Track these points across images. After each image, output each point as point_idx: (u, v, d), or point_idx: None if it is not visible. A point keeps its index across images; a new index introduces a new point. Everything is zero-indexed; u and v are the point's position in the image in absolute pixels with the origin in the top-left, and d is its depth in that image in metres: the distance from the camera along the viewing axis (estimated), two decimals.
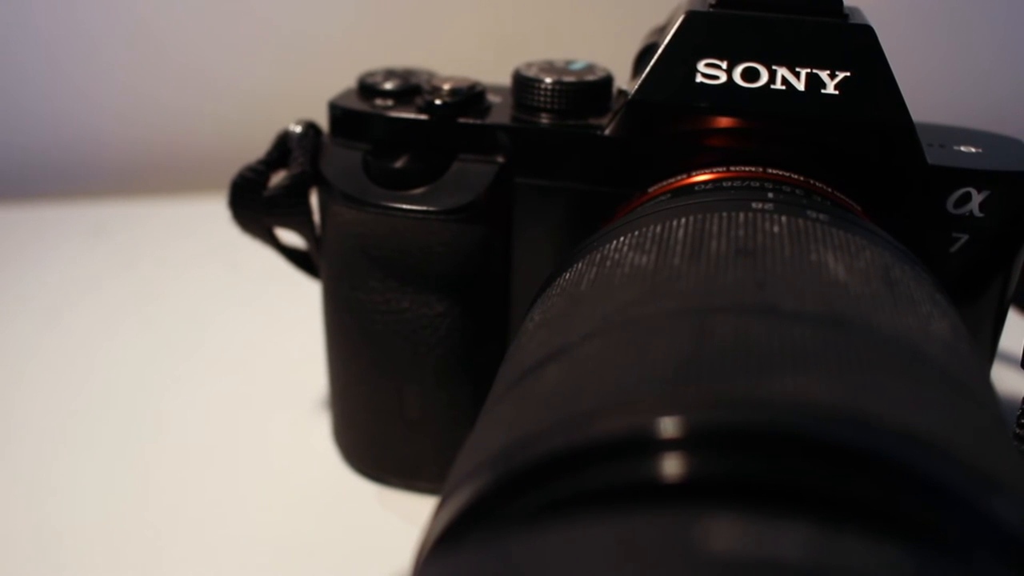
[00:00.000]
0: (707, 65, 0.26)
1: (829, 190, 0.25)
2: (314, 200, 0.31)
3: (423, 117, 0.29)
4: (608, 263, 0.21)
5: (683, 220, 0.21)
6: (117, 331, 0.43)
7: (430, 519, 0.16)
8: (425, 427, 0.31)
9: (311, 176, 0.30)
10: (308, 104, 0.37)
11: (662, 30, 0.28)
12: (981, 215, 0.27)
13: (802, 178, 0.25)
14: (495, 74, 0.32)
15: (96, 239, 0.53)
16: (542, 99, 0.28)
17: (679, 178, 0.26)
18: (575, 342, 0.18)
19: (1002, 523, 0.13)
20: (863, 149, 0.26)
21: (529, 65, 0.29)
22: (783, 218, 0.21)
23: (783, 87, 0.25)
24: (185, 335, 0.43)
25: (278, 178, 0.31)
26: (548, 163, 0.28)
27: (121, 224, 0.55)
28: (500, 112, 0.29)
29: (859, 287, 0.18)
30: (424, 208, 0.28)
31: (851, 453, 0.13)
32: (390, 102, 0.30)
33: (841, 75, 0.25)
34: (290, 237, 0.33)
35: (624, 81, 0.29)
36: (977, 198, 0.26)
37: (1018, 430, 0.25)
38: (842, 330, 0.16)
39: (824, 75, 0.25)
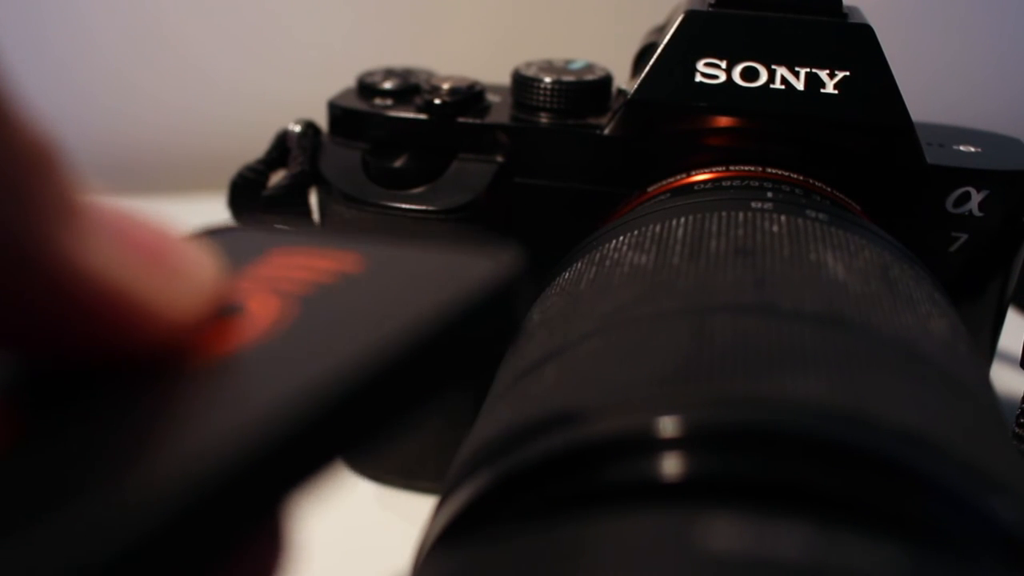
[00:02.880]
0: (706, 64, 0.26)
1: (828, 189, 0.25)
2: (313, 200, 0.31)
3: (422, 116, 0.29)
4: (607, 262, 0.21)
5: (682, 219, 0.21)
6: None
7: (429, 519, 0.16)
8: (424, 426, 0.31)
9: (310, 176, 0.30)
10: (307, 104, 0.37)
11: (661, 30, 0.28)
12: (980, 214, 0.26)
13: (801, 177, 0.25)
14: (494, 73, 0.32)
15: None
16: (541, 98, 0.28)
17: (678, 177, 0.26)
18: (574, 341, 0.18)
19: (1001, 522, 0.13)
20: (862, 148, 0.26)
21: (528, 64, 0.29)
22: (782, 217, 0.21)
23: (782, 86, 0.25)
24: None
25: (277, 178, 0.31)
26: (547, 163, 0.28)
27: None
28: (499, 111, 0.29)
29: (858, 286, 0.18)
30: (423, 208, 0.28)
31: (850, 452, 0.13)
32: (389, 101, 0.30)
33: (840, 74, 0.25)
34: None
35: (624, 81, 0.29)
36: (976, 197, 0.26)
37: (1017, 430, 0.25)
38: (841, 329, 0.16)
39: (823, 74, 0.25)
